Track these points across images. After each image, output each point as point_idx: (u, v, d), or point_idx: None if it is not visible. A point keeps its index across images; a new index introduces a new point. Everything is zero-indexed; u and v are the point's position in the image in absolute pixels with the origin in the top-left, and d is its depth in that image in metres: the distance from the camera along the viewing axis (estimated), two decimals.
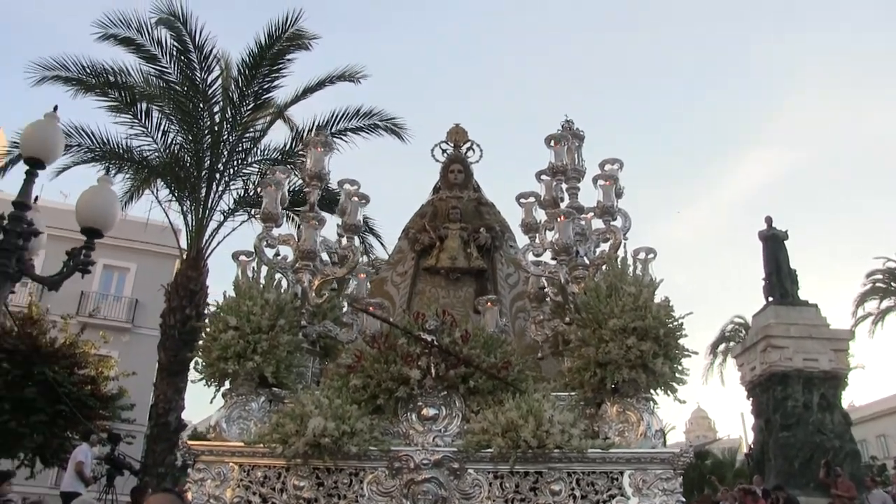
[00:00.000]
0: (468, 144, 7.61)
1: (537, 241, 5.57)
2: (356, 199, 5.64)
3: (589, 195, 5.71)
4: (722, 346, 35.42)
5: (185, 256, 16.37)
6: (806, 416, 19.73)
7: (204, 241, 16.12)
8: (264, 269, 5.29)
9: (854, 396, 46.09)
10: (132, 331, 29.39)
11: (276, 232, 5.53)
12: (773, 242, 22.26)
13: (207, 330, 4.90)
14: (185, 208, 16.23)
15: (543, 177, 5.87)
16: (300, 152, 12.05)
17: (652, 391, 4.69)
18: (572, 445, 4.35)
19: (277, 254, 5.51)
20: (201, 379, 4.91)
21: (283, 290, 5.15)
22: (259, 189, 6.32)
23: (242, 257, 5.42)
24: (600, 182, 5.47)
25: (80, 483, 12.20)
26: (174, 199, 16.39)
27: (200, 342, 4.94)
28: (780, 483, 16.91)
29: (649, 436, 4.52)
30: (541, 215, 5.74)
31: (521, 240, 7.04)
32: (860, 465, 20.25)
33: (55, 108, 6.72)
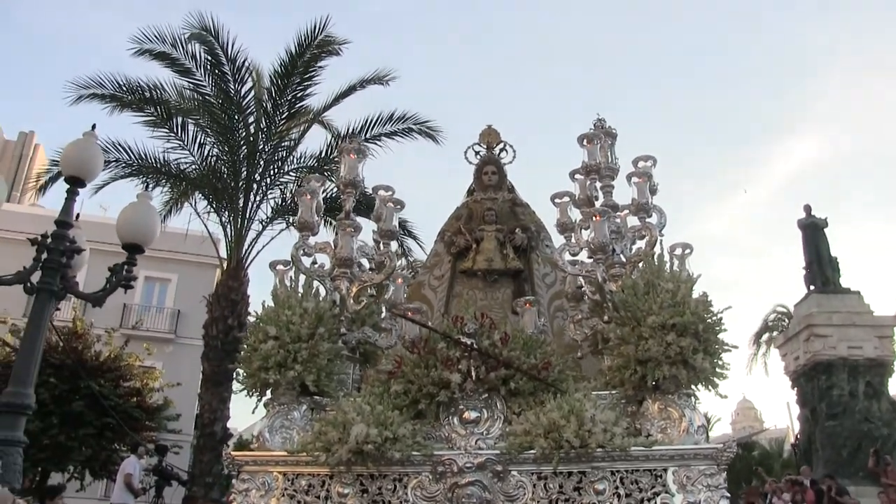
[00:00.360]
0: (501, 145, 7.61)
1: (573, 240, 5.56)
2: (391, 204, 5.67)
3: (623, 193, 5.70)
4: (765, 336, 35.04)
5: (225, 266, 16.60)
6: (852, 405, 19.57)
7: (243, 250, 16.33)
8: (302, 277, 5.32)
9: None
10: (175, 341, 29.68)
11: (312, 240, 5.57)
12: (813, 230, 22.09)
13: (248, 341, 4.95)
14: (223, 219, 16.48)
15: (577, 176, 5.86)
16: (335, 158, 12.16)
17: (693, 387, 4.66)
18: (615, 444, 4.33)
19: (314, 262, 5.54)
20: (243, 389, 4.97)
21: (321, 299, 5.19)
22: (295, 197, 6.35)
23: (280, 267, 5.47)
24: (634, 179, 5.44)
25: (130, 495, 12.31)
26: (213, 210, 16.62)
27: (241, 353, 4.99)
28: (830, 472, 16.76)
29: (692, 432, 4.49)
30: (576, 214, 5.72)
31: (557, 240, 7.06)
32: None
33: (93, 126, 6.87)
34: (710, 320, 4.62)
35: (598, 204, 5.61)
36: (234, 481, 4.72)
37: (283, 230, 16.79)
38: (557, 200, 5.70)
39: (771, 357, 33.45)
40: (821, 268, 21.63)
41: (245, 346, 4.95)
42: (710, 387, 4.68)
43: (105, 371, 15.87)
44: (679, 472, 4.37)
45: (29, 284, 6.39)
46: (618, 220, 5.47)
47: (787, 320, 28.92)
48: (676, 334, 4.47)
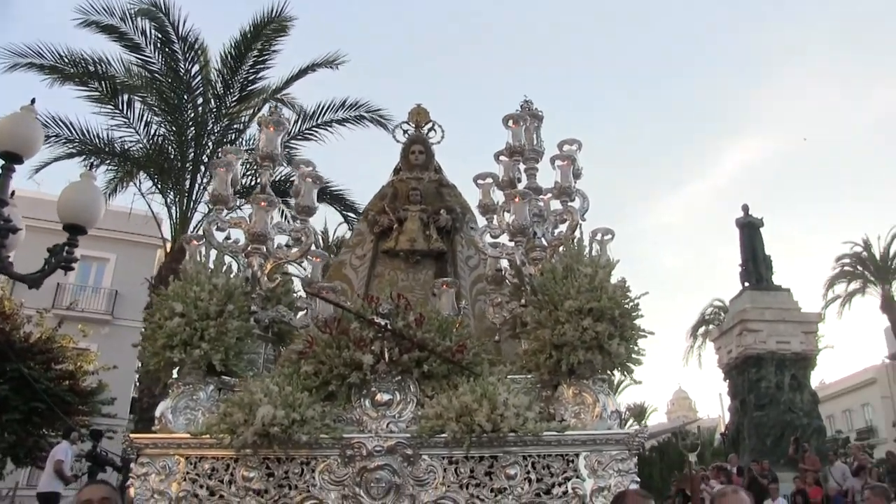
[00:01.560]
0: (430, 125, 7.45)
1: (495, 222, 5.47)
2: (309, 179, 5.49)
3: (548, 176, 5.64)
4: (702, 329, 35.80)
5: (168, 248, 16.25)
6: (778, 396, 20.37)
7: (189, 233, 15.63)
8: (214, 253, 5.14)
9: (824, 374, 47.23)
10: (112, 322, 28.94)
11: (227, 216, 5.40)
12: (750, 230, 23.11)
13: (152, 317, 4.75)
14: (168, 200, 16.13)
15: (501, 157, 5.76)
16: (287, 143, 12.03)
17: (608, 372, 4.62)
18: (527, 429, 4.26)
19: (228, 237, 5.37)
20: (146, 368, 4.78)
21: (233, 275, 5.01)
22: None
23: (193, 242, 5.29)
24: (558, 163, 5.38)
25: (60, 482, 11.94)
26: (158, 191, 16.26)
27: (143, 330, 4.79)
28: (756, 459, 17.35)
29: (605, 417, 4.45)
30: (499, 196, 5.64)
31: (482, 222, 6.98)
32: (825, 441, 20.89)
33: (33, 100, 6.56)
34: (626, 306, 4.57)
35: (520, 186, 5.53)
36: (132, 465, 4.53)
37: (228, 213, 16.25)
38: (480, 181, 5.60)
39: (706, 349, 34.18)
40: (755, 266, 22.54)
41: (148, 322, 4.74)
42: (625, 372, 4.65)
43: (36, 353, 15.23)
44: (591, 456, 4.33)
45: None
46: (540, 204, 5.40)
47: (723, 314, 29.65)
48: (593, 319, 4.41)
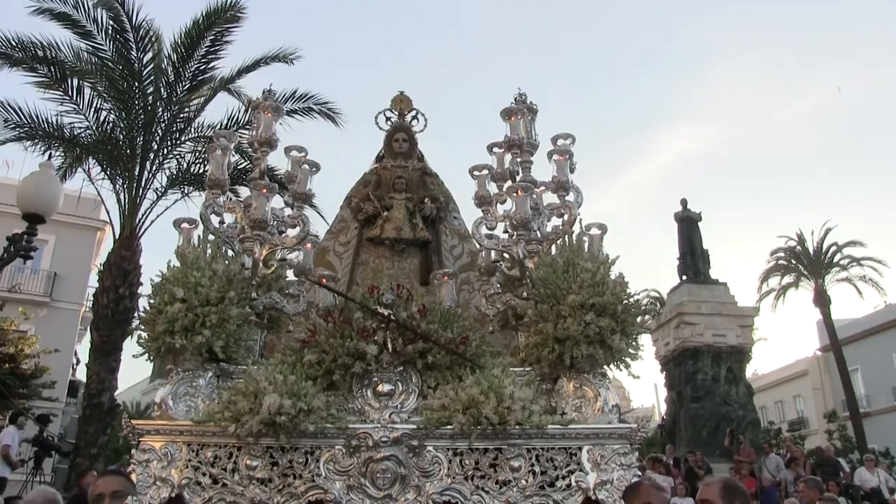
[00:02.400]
0: (413, 113, 7.44)
1: (490, 214, 5.49)
2: (306, 166, 5.42)
3: (538, 169, 5.68)
4: (637, 320, 36.33)
5: (115, 233, 16.00)
6: (714, 389, 20.84)
7: (137, 220, 15.86)
8: (210, 238, 5.04)
9: (757, 366, 48.56)
10: (50, 304, 28.25)
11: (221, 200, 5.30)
12: (688, 224, 23.54)
13: (151, 301, 4.64)
14: (117, 186, 15.94)
15: (495, 149, 5.78)
16: (235, 129, 12.01)
17: (607, 366, 4.70)
18: (532, 422, 4.31)
19: (222, 222, 5.27)
20: (143, 353, 4.68)
21: (228, 261, 4.93)
22: (196, 159, 6.06)
23: (185, 225, 5.18)
24: (555, 157, 5.41)
25: (7, 467, 11.85)
26: (107, 177, 16.12)
27: (143, 314, 4.67)
28: (692, 450, 17.74)
29: (606, 411, 4.52)
30: (493, 188, 5.66)
31: (468, 212, 7.01)
32: (760, 433, 21.45)
33: None
34: (627, 301, 4.65)
35: (517, 179, 5.56)
36: (133, 451, 4.43)
37: (177, 200, 16.45)
38: (476, 173, 5.59)
39: (641, 339, 34.79)
40: (693, 259, 22.98)
41: (148, 306, 4.63)
42: (624, 366, 4.73)
43: None
44: (593, 450, 4.40)
45: None
46: (535, 197, 5.44)
47: (659, 305, 30.20)
48: (595, 314, 4.48)
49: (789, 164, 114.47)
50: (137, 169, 15.80)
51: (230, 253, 5.07)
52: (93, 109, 15.79)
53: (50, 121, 15.61)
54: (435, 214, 6.90)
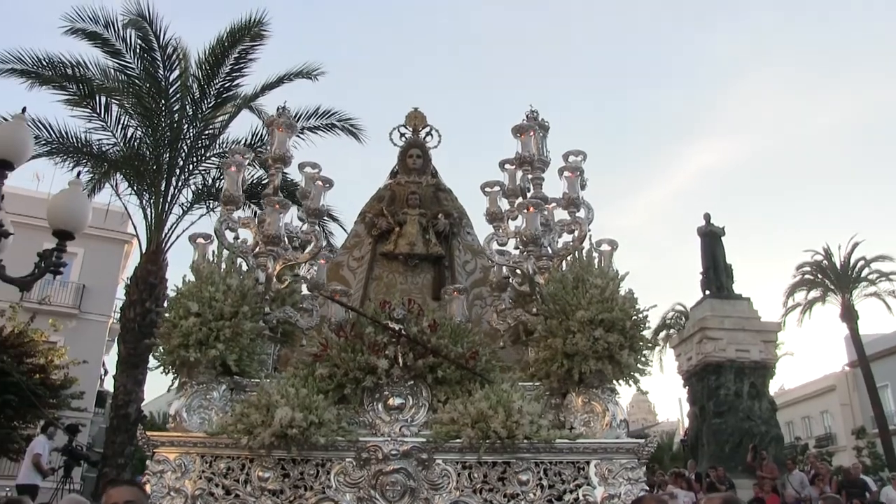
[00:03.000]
0: (426, 129, 7.51)
1: (501, 230, 5.54)
2: (319, 182, 5.50)
3: (549, 185, 5.73)
4: (662, 334, 36.17)
5: (142, 247, 16.35)
6: (737, 404, 20.65)
7: (163, 234, 16.18)
8: (224, 253, 5.14)
9: (784, 381, 47.92)
10: (78, 316, 28.72)
11: (235, 215, 5.40)
12: (711, 238, 23.45)
13: (167, 315, 4.75)
14: (144, 202, 16.27)
15: (507, 166, 5.84)
16: (257, 147, 12.34)
17: (615, 381, 4.73)
18: (541, 436, 4.36)
19: (237, 237, 5.37)
20: (159, 366, 4.78)
21: (242, 276, 5.02)
22: (221, 175, 6.18)
23: (200, 240, 5.28)
24: (566, 174, 5.47)
25: (38, 475, 12.13)
26: (133, 192, 16.44)
27: (160, 328, 4.78)
28: (714, 466, 17.65)
29: (614, 426, 4.56)
30: (504, 204, 5.72)
31: (480, 228, 7.06)
32: (783, 449, 21.26)
33: (24, 109, 6.83)
34: (636, 317, 4.69)
35: (528, 195, 5.61)
36: (148, 462, 4.53)
37: (202, 215, 16.72)
38: (488, 189, 5.65)
39: (667, 353, 34.60)
40: (716, 274, 22.88)
41: (164, 320, 4.73)
42: (632, 382, 4.76)
43: (7, 347, 15.25)
44: (601, 465, 4.44)
45: None
46: (546, 213, 5.49)
47: (684, 319, 30.01)
48: (604, 330, 4.53)
49: (815, 178, 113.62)
50: (163, 185, 16.12)
51: (244, 268, 5.16)
52: (120, 126, 16.15)
53: (78, 137, 15.94)
54: (448, 230, 6.95)
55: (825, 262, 32.62)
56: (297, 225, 5.80)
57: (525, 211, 5.17)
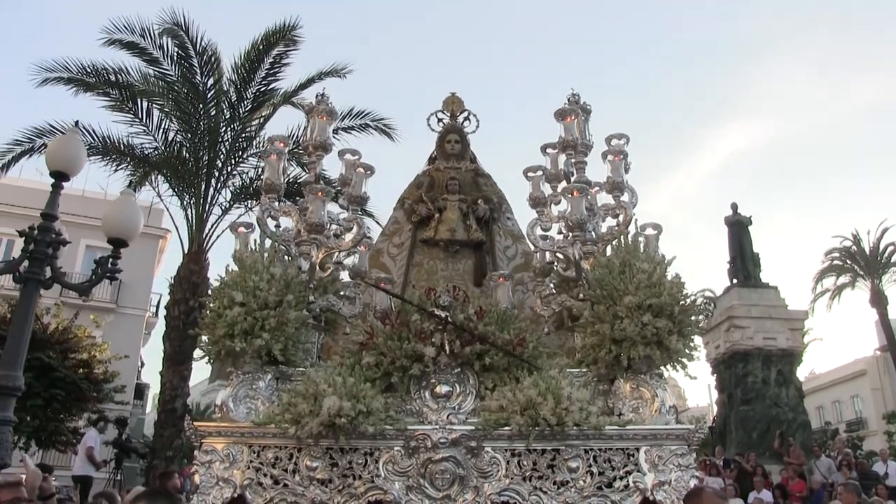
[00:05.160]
0: (464, 114, 7.43)
1: (544, 215, 5.48)
2: (361, 169, 5.44)
3: (592, 168, 5.66)
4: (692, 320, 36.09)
5: (185, 250, 16.92)
6: (764, 391, 20.72)
7: (204, 234, 16.79)
8: (267, 242, 5.10)
9: (815, 365, 47.62)
10: (116, 310, 29.14)
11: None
12: (738, 228, 23.71)
13: (211, 305, 4.71)
14: (184, 202, 16.92)
15: (549, 150, 5.77)
16: (295, 151, 12.73)
17: (663, 367, 4.67)
18: (590, 423, 4.30)
19: (278, 226, 5.34)
20: (204, 356, 4.75)
21: (286, 264, 4.99)
22: (258, 175, 6.23)
23: (241, 229, 5.25)
24: (609, 157, 5.39)
25: (91, 467, 12.74)
26: (175, 193, 17.11)
27: (203, 318, 4.76)
28: (742, 452, 17.73)
29: (663, 412, 4.50)
30: (547, 189, 5.65)
31: (520, 212, 7.00)
32: (811, 435, 21.24)
33: (76, 122, 7.72)
34: (684, 302, 4.62)
35: (572, 180, 5.55)
36: (196, 452, 4.51)
37: (241, 215, 17.16)
38: (531, 174, 5.58)
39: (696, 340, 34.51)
40: (743, 263, 23.07)
41: (209, 311, 4.70)
42: (681, 367, 4.68)
43: (53, 343, 15.68)
44: (651, 451, 4.38)
45: (18, 274, 6.86)
46: (589, 198, 5.42)
47: (713, 305, 29.98)
48: (652, 315, 4.45)
49: (844, 162, 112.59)
50: (203, 186, 16.74)
51: (287, 257, 5.13)
52: (161, 130, 16.88)
53: (120, 140, 16.67)
54: (488, 215, 6.88)
55: (854, 247, 32.51)
56: (335, 213, 5.75)
57: (570, 195, 5.11)
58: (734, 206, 23.97)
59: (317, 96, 5.63)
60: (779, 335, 21.47)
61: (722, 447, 19.79)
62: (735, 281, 23.06)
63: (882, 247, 31.92)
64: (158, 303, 30.00)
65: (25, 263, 6.86)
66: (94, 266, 7.24)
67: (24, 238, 6.91)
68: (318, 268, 5.12)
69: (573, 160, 5.60)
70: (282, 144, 5.50)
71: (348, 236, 5.42)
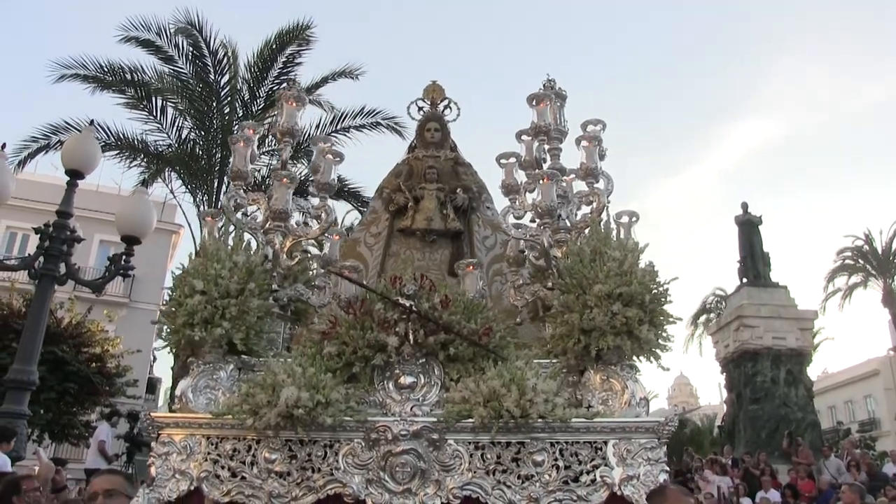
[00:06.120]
0: (445, 102, 7.32)
1: (518, 203, 5.35)
2: (329, 156, 5.35)
3: (568, 157, 5.54)
4: (703, 318, 35.97)
5: (197, 248, 16.79)
6: (773, 391, 20.76)
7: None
8: (233, 230, 5.01)
9: (827, 365, 47.29)
10: (129, 305, 29.37)
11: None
12: (748, 227, 23.90)
13: (173, 294, 4.63)
14: (197, 200, 17.53)
15: (524, 137, 5.64)
16: (307, 147, 12.94)
17: (636, 358, 4.53)
18: (556, 415, 4.17)
19: (246, 214, 5.25)
20: (165, 346, 4.67)
21: (251, 252, 4.89)
22: (229, 143, 6.15)
23: (209, 217, 5.17)
24: (583, 143, 5.27)
25: (103, 460, 12.98)
26: (188, 190, 17.73)
27: (164, 307, 4.68)
28: (750, 451, 17.73)
29: (633, 404, 4.35)
30: (521, 176, 5.53)
31: (500, 202, 6.87)
32: (820, 435, 21.16)
33: (91, 121, 8.24)
34: (656, 291, 4.48)
35: (545, 167, 5.42)
36: (152, 444, 4.42)
37: (255, 212, 17.18)
38: (503, 161, 5.46)
39: (707, 338, 34.38)
40: (753, 262, 23.25)
41: (169, 299, 4.62)
42: (653, 358, 4.55)
43: (67, 337, 15.83)
44: (619, 444, 4.23)
45: (33, 270, 7.15)
46: (564, 185, 5.30)
47: (724, 303, 29.90)
48: (622, 304, 4.32)
49: (856, 160, 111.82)
50: (216, 183, 17.17)
51: (253, 245, 5.04)
52: (175, 128, 17.50)
53: (134, 137, 17.22)
54: (467, 205, 6.78)
55: (866, 246, 32.31)
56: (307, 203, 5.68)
57: (540, 182, 4.98)
58: (744, 206, 24.10)
59: (287, 83, 5.57)
60: (788, 335, 21.50)
61: (731, 446, 19.79)
62: (745, 280, 23.23)
63: (895, 246, 31.63)
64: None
65: (41, 260, 7.09)
66: (107, 261, 7.50)
67: (39, 235, 7.08)
68: (284, 256, 5.03)
69: (546, 146, 5.48)
70: (251, 131, 5.38)
71: (315, 224, 5.33)
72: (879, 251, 31.53)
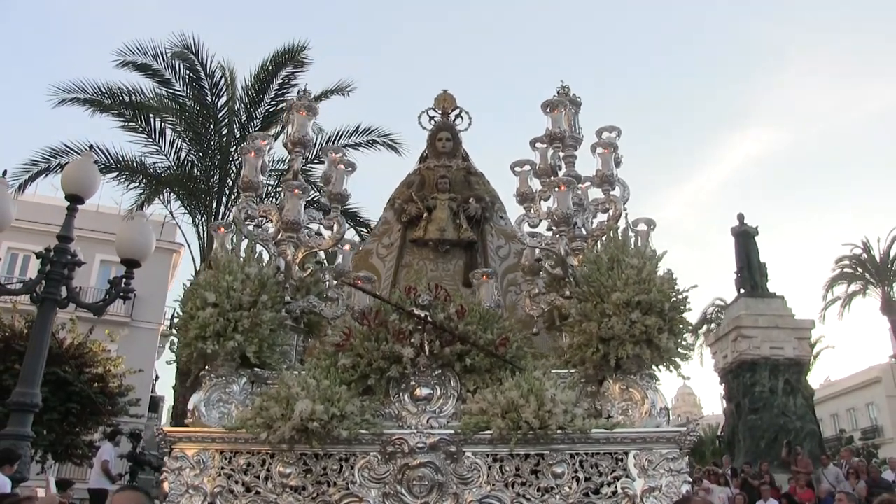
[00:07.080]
0: (456, 111, 7.28)
1: (533, 211, 5.28)
2: (342, 166, 5.27)
3: (583, 164, 5.48)
4: (703, 328, 35.94)
5: (197, 268, 16.86)
6: (771, 401, 20.73)
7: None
8: (245, 241, 4.93)
9: (829, 373, 47.24)
10: (131, 324, 29.27)
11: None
12: (745, 238, 23.97)
13: (184, 307, 4.54)
14: (196, 220, 17.30)
15: (538, 144, 5.58)
16: (305, 169, 13.00)
17: (655, 367, 4.46)
18: (575, 426, 4.10)
19: (258, 226, 5.17)
20: (177, 360, 4.58)
21: (264, 264, 4.81)
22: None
23: (220, 229, 5.09)
24: (599, 150, 5.21)
25: (107, 480, 12.67)
26: (187, 211, 17.53)
27: (175, 319, 4.59)
28: (749, 461, 17.69)
29: (654, 414, 4.29)
30: (535, 184, 5.46)
31: (512, 210, 6.81)
32: (819, 444, 21.16)
33: (90, 147, 8.82)
34: (675, 299, 4.41)
35: (560, 174, 5.36)
36: (165, 459, 4.32)
37: (266, 223, 17.47)
38: (518, 169, 5.39)
39: (707, 348, 34.36)
40: (750, 273, 23.24)
41: (181, 312, 4.53)
42: (673, 367, 4.47)
43: (69, 358, 15.61)
44: (641, 455, 4.17)
45: (35, 294, 7.14)
46: (579, 192, 5.23)
47: (724, 313, 29.94)
48: (641, 312, 4.25)
49: (854, 170, 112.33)
50: (214, 203, 17.06)
51: (266, 257, 4.96)
52: (173, 149, 17.33)
53: (133, 159, 16.97)
54: (480, 214, 6.71)
55: (864, 255, 32.33)
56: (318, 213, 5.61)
57: (556, 189, 4.91)
58: (741, 217, 24.12)
59: (298, 92, 5.48)
60: (786, 344, 21.45)
61: (730, 456, 19.73)
62: (742, 291, 23.13)
63: (893, 254, 31.76)
64: (173, 316, 29.72)
65: (42, 284, 7.13)
66: (108, 282, 7.53)
67: (40, 260, 7.16)
68: (297, 267, 4.95)
69: (561, 154, 5.42)
70: (263, 143, 5.32)
71: (327, 234, 5.25)
72: (878, 259, 31.65)
